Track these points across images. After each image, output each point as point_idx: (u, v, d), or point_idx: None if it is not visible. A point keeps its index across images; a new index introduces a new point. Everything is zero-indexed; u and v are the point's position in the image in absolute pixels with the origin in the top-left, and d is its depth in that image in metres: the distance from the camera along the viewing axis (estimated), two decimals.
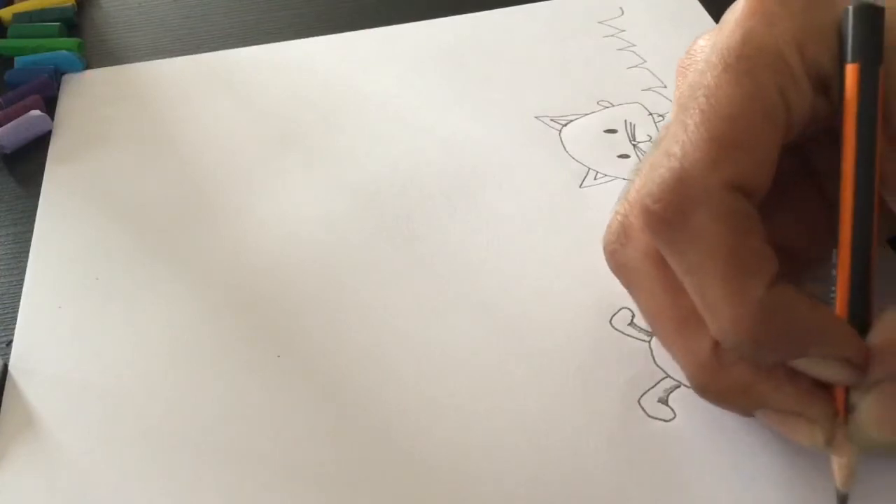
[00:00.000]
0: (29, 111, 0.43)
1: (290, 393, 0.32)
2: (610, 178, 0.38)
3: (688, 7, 0.46)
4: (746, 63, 0.25)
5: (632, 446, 0.29)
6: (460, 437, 0.30)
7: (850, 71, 0.25)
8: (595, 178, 0.38)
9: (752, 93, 0.25)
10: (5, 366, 0.33)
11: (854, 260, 0.25)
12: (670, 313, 0.28)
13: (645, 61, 0.44)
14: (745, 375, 0.26)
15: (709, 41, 0.28)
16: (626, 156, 0.39)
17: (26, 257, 0.37)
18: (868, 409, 0.25)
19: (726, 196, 0.25)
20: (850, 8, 0.25)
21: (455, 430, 0.30)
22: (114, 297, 0.35)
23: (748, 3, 0.26)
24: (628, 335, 0.32)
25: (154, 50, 0.48)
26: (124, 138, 0.42)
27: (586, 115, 0.41)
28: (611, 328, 0.32)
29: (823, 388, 0.26)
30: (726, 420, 0.29)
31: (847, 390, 0.26)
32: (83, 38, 0.49)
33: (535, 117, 0.41)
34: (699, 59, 0.28)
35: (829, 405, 0.26)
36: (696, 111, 0.26)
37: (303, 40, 0.47)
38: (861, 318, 0.25)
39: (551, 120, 0.41)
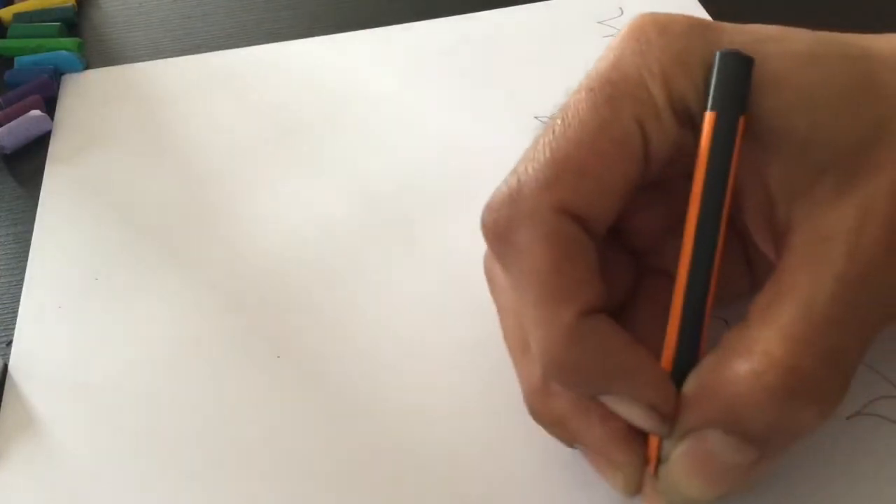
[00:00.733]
0: (29, 111, 0.43)
1: (289, 393, 0.32)
2: None
3: (688, 7, 0.46)
4: (609, 89, 0.25)
5: None
6: (460, 437, 0.30)
7: (707, 119, 0.24)
8: None
9: (605, 120, 0.25)
10: (5, 366, 0.33)
11: (686, 311, 0.24)
12: (514, 332, 0.28)
13: None
14: (563, 407, 0.26)
15: None
16: None
17: (26, 257, 0.37)
18: (676, 461, 0.24)
19: (553, 218, 0.24)
20: (718, 54, 0.24)
21: (455, 431, 0.30)
22: (114, 297, 0.35)
23: (628, 28, 0.26)
24: None
25: (154, 50, 0.48)
26: (124, 138, 0.42)
27: None
28: None
29: (639, 434, 0.25)
30: None
31: (661, 440, 0.25)
32: (83, 38, 0.49)
33: (535, 117, 0.41)
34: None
35: (637, 453, 0.25)
36: (550, 131, 0.25)
37: (303, 40, 0.47)
38: (686, 369, 0.25)
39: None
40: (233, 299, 0.35)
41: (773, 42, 0.25)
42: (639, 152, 0.25)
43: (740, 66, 0.24)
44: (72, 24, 0.50)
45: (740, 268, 0.29)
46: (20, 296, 0.36)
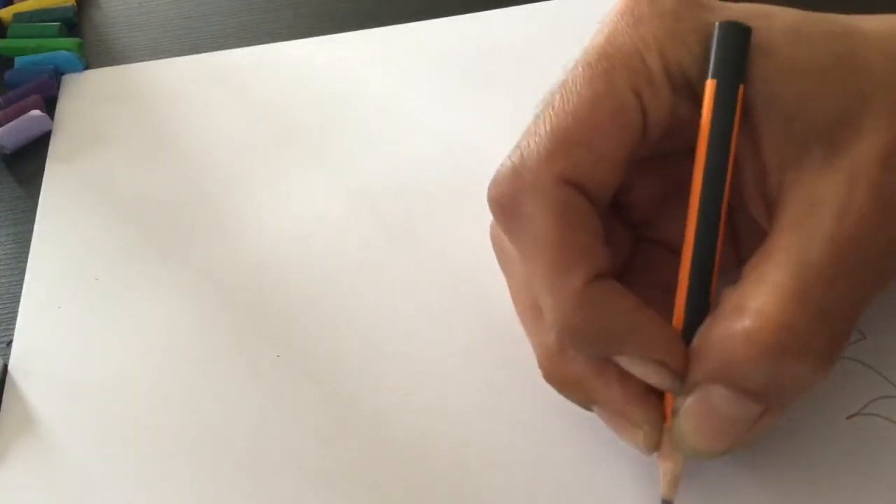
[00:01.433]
0: (29, 111, 0.43)
1: (289, 392, 0.32)
2: None
3: None
4: (604, 63, 0.26)
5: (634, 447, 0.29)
6: (460, 437, 0.30)
7: (708, 87, 0.26)
8: None
9: (602, 92, 0.26)
10: (5, 366, 0.33)
11: (693, 272, 0.25)
12: (526, 294, 0.29)
13: None
14: (580, 370, 0.27)
15: None
16: None
17: (26, 257, 0.37)
18: (683, 415, 0.25)
19: (556, 189, 0.25)
20: (717, 24, 0.26)
21: (455, 431, 0.30)
22: (114, 298, 0.35)
23: (621, 3, 0.27)
24: None
25: (154, 50, 0.48)
26: (124, 138, 0.42)
27: None
28: None
29: (656, 393, 0.26)
30: None
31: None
32: (83, 38, 0.49)
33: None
34: None
35: (656, 410, 0.26)
36: (549, 106, 0.26)
37: (303, 40, 0.47)
38: (697, 327, 0.25)
39: None
40: (233, 299, 0.35)
41: (761, 18, 0.26)
42: (637, 121, 0.26)
43: (739, 36, 0.26)
44: (72, 24, 0.50)
45: (726, 244, 0.30)
46: (20, 296, 0.36)
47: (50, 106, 0.44)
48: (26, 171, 0.42)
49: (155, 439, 0.31)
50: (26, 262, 0.37)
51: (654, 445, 0.26)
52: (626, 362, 0.25)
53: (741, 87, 0.25)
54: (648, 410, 0.26)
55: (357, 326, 0.33)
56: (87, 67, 0.47)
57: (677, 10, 0.26)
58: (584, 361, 0.26)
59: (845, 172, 0.24)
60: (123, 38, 0.49)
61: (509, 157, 0.26)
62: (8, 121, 0.43)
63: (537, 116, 0.27)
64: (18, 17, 0.49)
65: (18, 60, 0.46)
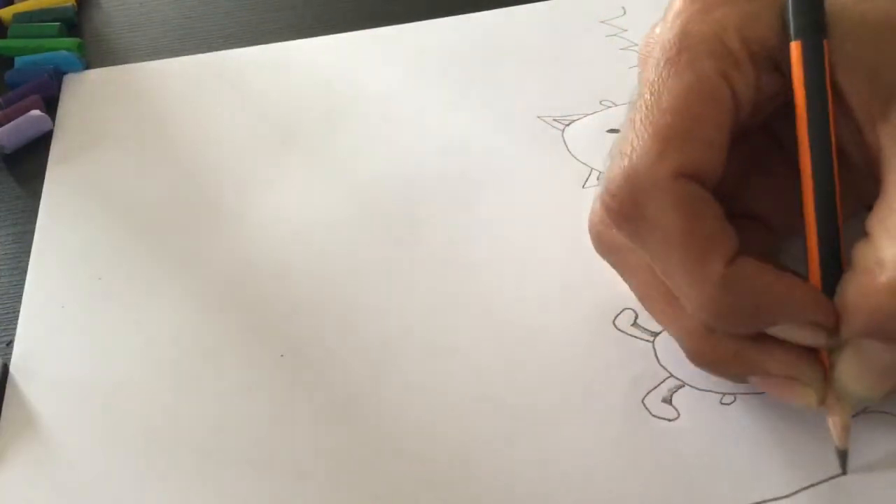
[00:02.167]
0: (29, 111, 0.43)
1: (292, 392, 0.32)
2: None
3: None
4: (687, 54, 0.27)
5: (635, 446, 0.29)
6: (463, 437, 0.30)
7: (794, 49, 0.26)
8: (598, 179, 0.38)
9: (692, 82, 0.26)
10: (6, 366, 0.33)
11: (820, 226, 0.26)
12: (657, 289, 0.29)
13: None
14: (734, 346, 0.27)
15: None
16: None
17: (27, 257, 0.37)
18: (844, 366, 0.26)
19: (675, 184, 0.26)
20: None
21: (458, 431, 0.30)
22: (116, 298, 0.35)
23: None
24: (631, 335, 0.32)
25: (154, 50, 0.48)
26: (124, 138, 0.42)
27: (589, 114, 0.41)
28: (614, 329, 0.32)
29: (811, 350, 0.27)
30: (730, 419, 0.29)
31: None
32: (83, 38, 0.49)
33: (538, 117, 0.41)
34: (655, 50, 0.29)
35: (818, 366, 0.27)
36: (643, 107, 0.27)
37: (303, 40, 0.47)
38: (834, 281, 0.26)
39: (554, 120, 0.41)
40: (235, 298, 0.35)
41: None
42: (730, 103, 0.26)
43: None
44: (72, 24, 0.50)
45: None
46: (21, 296, 0.36)
47: (50, 106, 0.44)
48: (26, 171, 0.42)
49: (156, 439, 0.31)
50: (27, 261, 0.37)
51: (823, 399, 0.27)
52: (779, 331, 0.26)
53: (825, 43, 0.26)
54: (813, 368, 0.27)
55: (359, 325, 0.33)
56: (87, 67, 0.47)
57: None
58: (737, 338, 0.27)
59: None
60: (123, 38, 0.49)
61: (614, 167, 0.27)
62: (8, 121, 0.43)
63: (628, 123, 0.27)
64: (18, 17, 0.49)
65: (18, 60, 0.46)
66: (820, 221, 0.26)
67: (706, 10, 0.27)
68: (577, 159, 0.39)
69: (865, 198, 0.27)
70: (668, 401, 0.30)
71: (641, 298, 0.30)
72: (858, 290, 0.25)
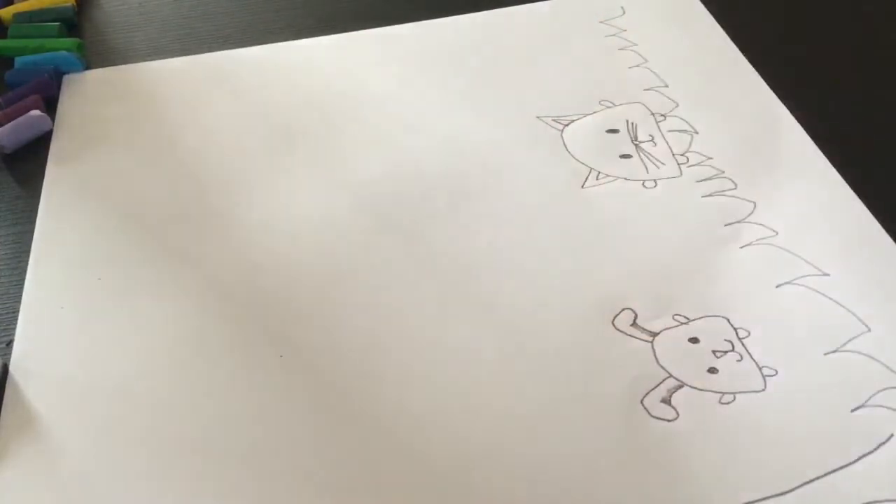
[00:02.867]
0: (29, 111, 0.43)
1: (292, 392, 0.32)
2: (612, 179, 0.38)
3: (689, 6, 0.46)
4: None
5: (634, 446, 0.29)
6: (462, 436, 0.30)
7: None
8: (597, 179, 0.38)
9: None
10: (6, 366, 0.33)
11: None
12: None
13: (647, 61, 0.43)
14: None
15: None
16: (628, 156, 0.39)
17: (27, 257, 0.37)
18: None
19: None
20: None
21: (457, 430, 0.30)
22: (116, 298, 0.35)
23: None
24: (630, 336, 0.32)
25: (154, 50, 0.48)
26: (124, 138, 0.42)
27: (588, 115, 0.41)
28: (613, 329, 0.32)
29: None
30: (728, 420, 0.29)
31: None
32: (83, 38, 0.49)
33: (537, 117, 0.41)
34: None
35: None
36: None
37: (303, 40, 0.47)
38: None
39: (553, 120, 0.41)
40: (234, 298, 0.35)
41: None
42: None
43: None
44: (72, 24, 0.50)
45: None
46: (21, 296, 0.36)
47: (50, 106, 0.44)
48: (26, 171, 0.42)
49: (156, 439, 0.31)
50: (26, 261, 0.37)
51: None
52: None
53: None
54: None
55: (358, 325, 0.33)
56: (87, 67, 0.47)
57: None
58: None
59: None
60: (123, 38, 0.49)
61: None
62: (8, 121, 0.43)
63: None
64: (18, 17, 0.49)
65: (18, 60, 0.46)
66: None
67: None
68: (576, 159, 0.39)
69: None
70: (667, 401, 0.30)
71: None
72: None
